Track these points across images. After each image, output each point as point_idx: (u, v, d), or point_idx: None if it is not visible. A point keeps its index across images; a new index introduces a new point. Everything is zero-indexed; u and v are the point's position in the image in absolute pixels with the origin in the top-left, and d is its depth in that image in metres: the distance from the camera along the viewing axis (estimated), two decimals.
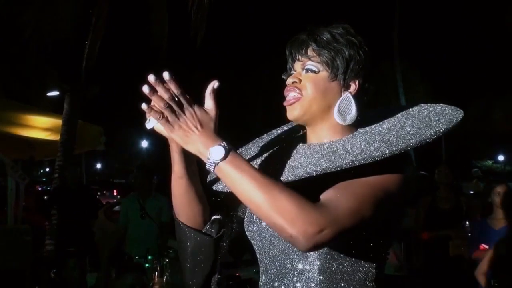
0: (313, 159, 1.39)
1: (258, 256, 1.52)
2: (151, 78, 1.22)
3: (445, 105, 1.46)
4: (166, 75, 1.23)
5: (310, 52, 1.45)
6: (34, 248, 6.31)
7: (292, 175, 1.37)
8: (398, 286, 4.86)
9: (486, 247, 4.26)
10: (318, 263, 1.38)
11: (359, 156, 1.31)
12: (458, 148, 24.05)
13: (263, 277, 1.50)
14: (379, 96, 23.37)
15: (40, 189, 15.09)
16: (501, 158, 30.29)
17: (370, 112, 1.55)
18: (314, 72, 1.45)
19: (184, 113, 1.27)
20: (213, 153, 1.26)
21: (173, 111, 1.26)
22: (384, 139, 1.36)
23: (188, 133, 1.28)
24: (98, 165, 43.76)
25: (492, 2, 14.75)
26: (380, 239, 1.41)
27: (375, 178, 1.34)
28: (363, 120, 1.47)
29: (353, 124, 1.46)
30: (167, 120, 1.27)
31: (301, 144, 1.50)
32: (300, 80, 1.46)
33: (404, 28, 21.83)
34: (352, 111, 1.44)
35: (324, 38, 1.43)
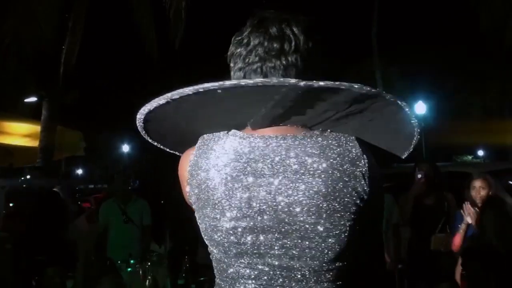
0: None
1: None
2: None
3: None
4: None
5: None
6: (15, 256, 6.21)
7: None
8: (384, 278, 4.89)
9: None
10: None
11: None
12: (438, 144, 24.30)
13: None
14: None
15: None
16: (480, 153, 30.74)
17: None
18: None
19: None
20: None
21: None
22: None
23: None
24: (79, 171, 43.33)
25: (468, 2, 14.98)
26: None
27: None
28: None
29: None
30: None
31: None
32: None
33: (383, 25, 21.98)
34: None
35: None
